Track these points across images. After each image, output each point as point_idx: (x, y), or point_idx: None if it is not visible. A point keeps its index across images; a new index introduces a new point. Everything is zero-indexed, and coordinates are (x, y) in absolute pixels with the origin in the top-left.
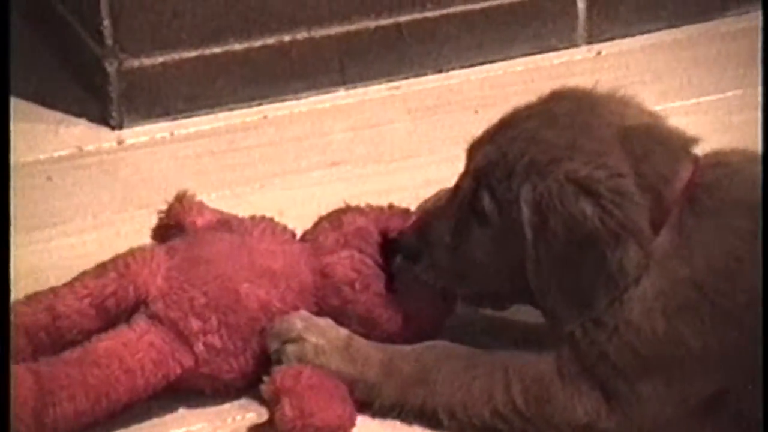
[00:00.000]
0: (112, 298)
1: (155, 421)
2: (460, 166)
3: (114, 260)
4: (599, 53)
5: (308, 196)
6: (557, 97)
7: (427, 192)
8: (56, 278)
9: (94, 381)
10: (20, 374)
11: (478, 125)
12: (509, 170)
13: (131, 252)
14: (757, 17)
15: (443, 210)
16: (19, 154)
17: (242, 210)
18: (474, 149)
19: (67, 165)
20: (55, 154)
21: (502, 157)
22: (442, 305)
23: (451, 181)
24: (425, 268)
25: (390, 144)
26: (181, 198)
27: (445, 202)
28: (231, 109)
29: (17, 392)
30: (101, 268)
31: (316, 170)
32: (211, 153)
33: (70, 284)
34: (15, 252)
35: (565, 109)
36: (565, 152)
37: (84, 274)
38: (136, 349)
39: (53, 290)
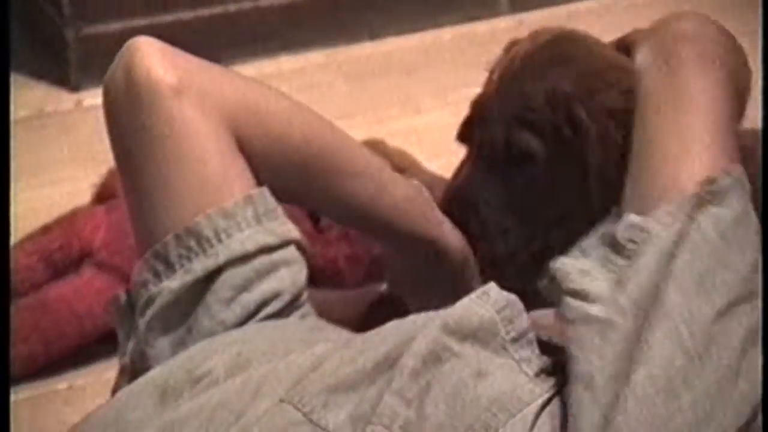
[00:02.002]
0: (58, 252)
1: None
2: (392, 125)
3: (59, 219)
4: (521, 22)
5: None
6: (547, 42)
7: None
8: (23, 228)
9: (46, 325)
10: None
11: (410, 88)
12: (550, 105)
13: (73, 211)
14: None
15: (470, 172)
16: None
17: None
18: (483, 103)
19: (29, 125)
20: (18, 115)
21: (534, 97)
22: None
23: (385, 140)
24: (476, 232)
25: (328, 105)
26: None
27: (465, 165)
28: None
29: None
30: (47, 227)
31: None
32: None
33: (19, 244)
34: None
35: (566, 49)
36: (599, 83)
37: (30, 234)
38: (84, 294)
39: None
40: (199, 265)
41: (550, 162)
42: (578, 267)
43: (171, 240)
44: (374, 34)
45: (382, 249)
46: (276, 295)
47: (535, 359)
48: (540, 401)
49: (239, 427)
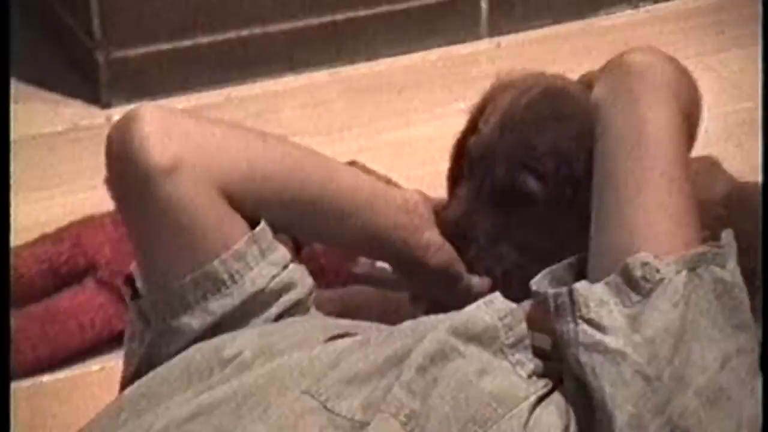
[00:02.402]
0: (65, 266)
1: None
2: (386, 136)
3: (69, 229)
4: (499, 44)
5: None
6: (543, 96)
7: (360, 157)
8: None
9: (53, 335)
10: None
11: (401, 104)
12: (553, 159)
13: (84, 221)
14: (623, 15)
15: (468, 206)
16: (25, 128)
17: None
18: (484, 146)
19: (65, 138)
20: (55, 129)
21: (538, 149)
22: None
23: (380, 149)
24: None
25: (330, 119)
26: None
27: (459, 199)
28: (199, 91)
29: None
30: (58, 235)
31: None
32: None
33: (32, 248)
34: (22, 208)
35: (565, 106)
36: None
37: (44, 237)
38: (88, 309)
39: (16, 253)
40: (218, 308)
41: (549, 205)
42: (597, 295)
43: (189, 282)
44: (370, 56)
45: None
46: (293, 305)
47: (528, 363)
48: (532, 399)
49: (266, 416)
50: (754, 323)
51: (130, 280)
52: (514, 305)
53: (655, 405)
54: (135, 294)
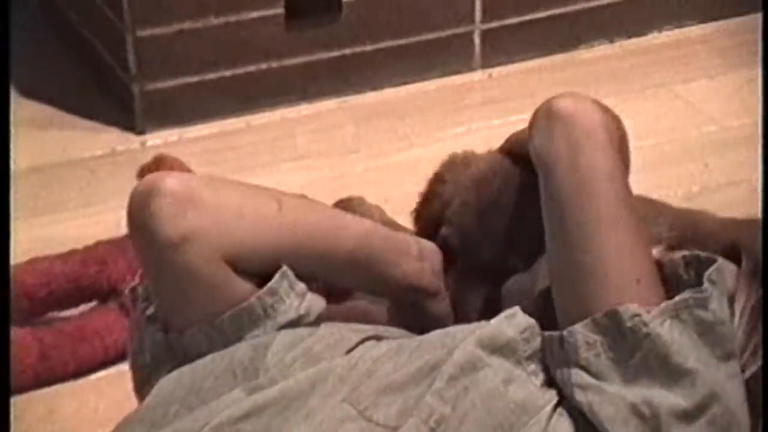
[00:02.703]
0: (89, 289)
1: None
2: (390, 158)
3: (96, 250)
4: (490, 75)
5: (281, 181)
6: (487, 168)
7: (367, 176)
8: None
9: (82, 353)
10: (27, 341)
11: (404, 129)
12: (529, 231)
13: (112, 243)
14: (600, 49)
15: (453, 290)
16: (69, 153)
17: None
18: (457, 233)
19: (104, 161)
20: (95, 154)
21: (518, 235)
22: None
23: (384, 169)
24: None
25: (339, 143)
26: (159, 160)
27: (449, 286)
28: (223, 119)
29: (22, 354)
30: (87, 254)
31: (286, 163)
32: (208, 151)
33: (63, 264)
34: (65, 224)
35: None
36: None
37: (74, 252)
38: (113, 330)
39: (51, 266)
40: (251, 338)
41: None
42: (584, 339)
43: (227, 318)
44: (375, 87)
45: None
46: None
47: (540, 373)
48: (549, 407)
49: (309, 420)
50: (738, 351)
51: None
52: (532, 320)
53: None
54: (146, 310)
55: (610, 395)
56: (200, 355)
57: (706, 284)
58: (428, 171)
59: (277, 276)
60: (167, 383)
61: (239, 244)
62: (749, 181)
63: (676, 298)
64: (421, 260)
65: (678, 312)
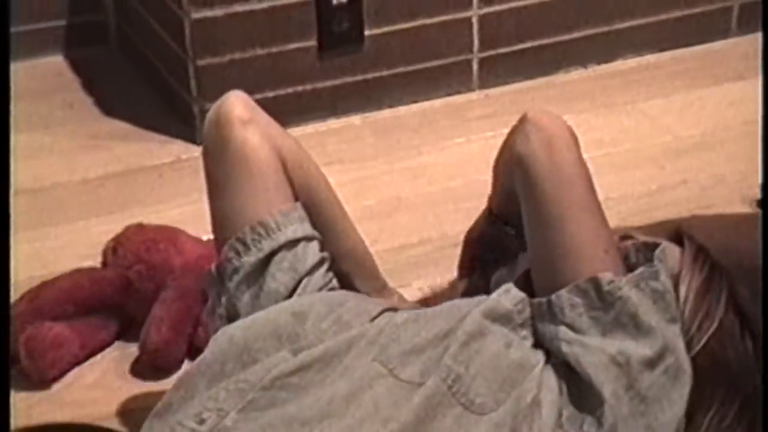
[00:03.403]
0: (136, 284)
1: None
2: (403, 164)
3: (140, 253)
4: (487, 95)
5: None
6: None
7: (383, 178)
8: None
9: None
10: (66, 333)
11: (415, 140)
12: None
13: (158, 241)
14: (576, 73)
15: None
16: (141, 161)
17: None
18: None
19: (171, 167)
20: (163, 161)
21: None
22: None
23: (398, 173)
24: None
25: (360, 151)
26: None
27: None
28: None
29: (68, 344)
30: (133, 255)
31: (319, 166)
32: None
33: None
34: (143, 218)
35: None
36: None
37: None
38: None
39: (95, 270)
40: (267, 246)
41: None
42: (569, 301)
43: (248, 230)
44: (391, 105)
45: None
46: (320, 264)
47: (530, 337)
48: (540, 364)
49: (346, 376)
50: (685, 326)
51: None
52: (523, 294)
53: (628, 382)
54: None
55: (592, 347)
56: (233, 273)
57: (655, 261)
58: (434, 174)
59: (290, 205)
60: (222, 340)
61: (287, 152)
62: (697, 180)
63: (635, 272)
64: (390, 296)
65: (638, 282)
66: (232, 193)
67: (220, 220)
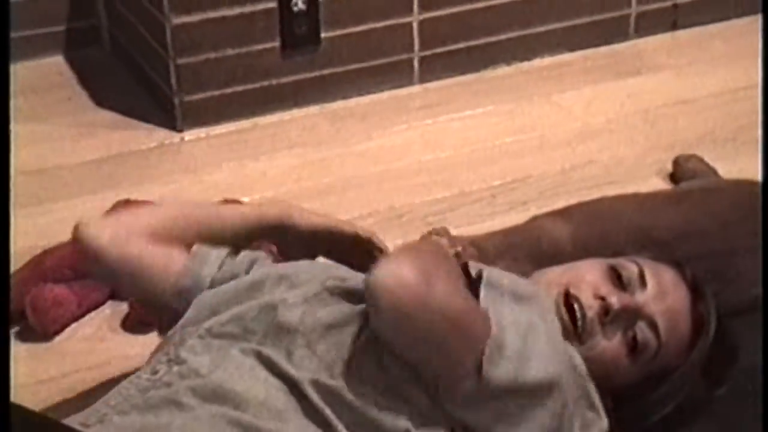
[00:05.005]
0: None
1: None
2: (355, 147)
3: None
4: (425, 88)
5: (278, 164)
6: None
7: (338, 160)
8: None
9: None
10: (65, 293)
11: (365, 127)
12: None
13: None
14: (505, 69)
15: None
16: (130, 146)
17: (245, 174)
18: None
19: (154, 151)
20: (149, 146)
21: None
22: None
23: (351, 156)
24: None
25: (319, 137)
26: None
27: None
28: (237, 120)
29: (66, 303)
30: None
31: (282, 150)
32: (227, 143)
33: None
34: (129, 195)
35: None
36: None
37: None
38: None
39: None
40: (207, 275)
41: None
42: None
43: (175, 293)
44: (345, 97)
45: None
46: (252, 262)
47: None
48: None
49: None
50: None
51: None
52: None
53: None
54: None
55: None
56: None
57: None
58: (382, 156)
59: (194, 249)
60: (203, 298)
61: (151, 228)
62: (602, 160)
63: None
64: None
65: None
66: (135, 287)
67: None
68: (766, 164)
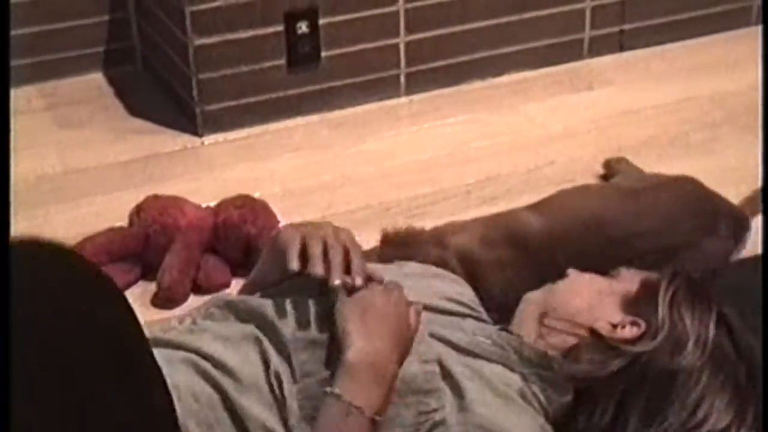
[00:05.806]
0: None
1: None
2: (349, 150)
3: (156, 216)
4: (411, 101)
5: (284, 164)
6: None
7: (336, 161)
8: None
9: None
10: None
11: (359, 132)
12: None
13: (167, 207)
14: (480, 83)
15: None
16: (158, 148)
17: (257, 173)
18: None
19: (180, 154)
20: (174, 149)
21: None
22: None
23: (346, 157)
24: None
25: (320, 142)
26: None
27: None
28: (250, 127)
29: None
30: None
31: (288, 152)
32: (241, 147)
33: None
34: (158, 191)
35: None
36: None
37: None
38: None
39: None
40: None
41: None
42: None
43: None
44: (341, 107)
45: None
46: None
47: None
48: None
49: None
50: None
51: None
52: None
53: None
54: None
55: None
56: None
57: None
58: (373, 159)
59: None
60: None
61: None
62: (562, 161)
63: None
64: None
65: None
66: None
67: None
68: (766, 164)
